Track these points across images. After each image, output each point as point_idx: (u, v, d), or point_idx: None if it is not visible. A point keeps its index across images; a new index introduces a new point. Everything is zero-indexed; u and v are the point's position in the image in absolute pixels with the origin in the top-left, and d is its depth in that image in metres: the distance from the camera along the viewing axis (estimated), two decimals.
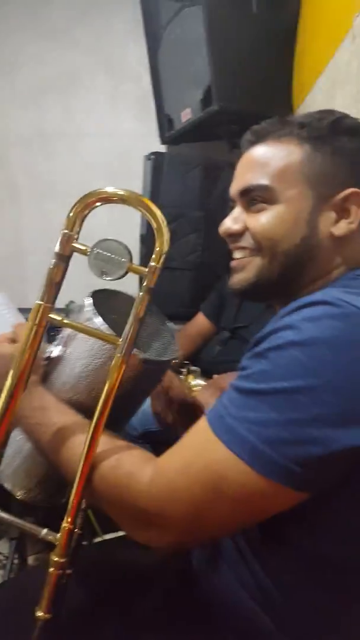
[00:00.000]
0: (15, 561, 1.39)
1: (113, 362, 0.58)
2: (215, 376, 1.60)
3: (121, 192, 0.58)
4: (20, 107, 2.30)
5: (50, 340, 0.78)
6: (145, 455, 0.59)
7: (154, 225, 0.58)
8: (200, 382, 1.59)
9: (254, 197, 0.67)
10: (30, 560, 1.54)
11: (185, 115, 1.91)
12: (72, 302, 2.08)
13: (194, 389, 1.61)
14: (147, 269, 0.58)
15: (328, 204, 0.64)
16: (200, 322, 1.84)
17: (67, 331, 0.71)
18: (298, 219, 0.64)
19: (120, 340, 0.58)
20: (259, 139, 0.68)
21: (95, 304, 0.68)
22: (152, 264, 0.58)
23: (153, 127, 2.17)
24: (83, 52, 2.28)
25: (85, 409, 0.63)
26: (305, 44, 1.79)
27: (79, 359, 0.68)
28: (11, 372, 0.58)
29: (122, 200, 0.58)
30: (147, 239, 1.97)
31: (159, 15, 1.95)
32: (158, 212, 0.58)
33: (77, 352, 0.69)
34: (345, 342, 0.48)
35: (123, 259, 0.57)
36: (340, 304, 0.50)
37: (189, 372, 1.62)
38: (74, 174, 2.30)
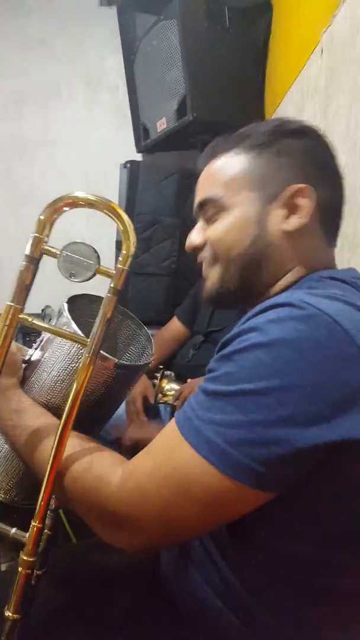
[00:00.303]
0: None
1: (81, 362, 0.60)
2: (189, 380, 1.62)
3: (89, 197, 0.60)
4: (0, 116, 2.32)
5: (27, 345, 0.80)
6: (116, 458, 0.60)
7: (121, 228, 0.60)
8: (174, 386, 1.61)
9: (208, 210, 0.70)
10: (3, 567, 1.53)
11: (161, 125, 1.95)
12: (48, 306, 2.09)
13: (168, 393, 1.64)
14: (114, 271, 0.60)
15: (276, 202, 0.66)
16: (175, 326, 1.86)
17: (45, 335, 0.73)
18: (247, 221, 0.67)
19: (89, 340, 0.60)
20: (210, 157, 0.71)
21: (75, 308, 0.69)
22: (119, 266, 0.60)
23: (129, 136, 2.21)
24: (62, 63, 2.32)
25: (61, 413, 0.64)
26: (276, 57, 1.85)
27: (56, 362, 0.69)
28: None
29: (90, 204, 0.60)
30: (122, 244, 2.00)
31: (135, 28, 1.99)
32: (125, 216, 0.60)
33: (55, 356, 0.70)
34: (308, 343, 0.49)
35: (91, 262, 0.59)
36: (303, 306, 0.51)
37: (163, 376, 1.64)
38: (50, 181, 2.33)
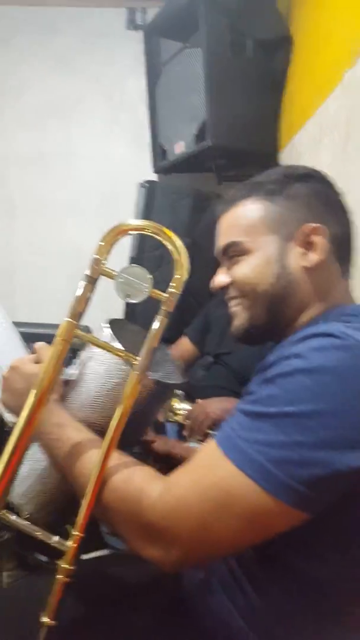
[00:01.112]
0: None
1: (129, 379, 0.62)
2: (198, 400, 1.63)
3: (146, 224, 0.63)
4: (23, 129, 2.39)
5: (66, 364, 0.82)
6: (155, 473, 0.61)
7: (175, 256, 0.63)
8: (185, 405, 1.61)
9: (231, 253, 0.76)
10: (4, 577, 1.52)
11: (179, 148, 2.00)
12: (86, 327, 2.11)
13: (178, 412, 1.65)
14: (166, 295, 0.63)
15: (293, 241, 0.72)
16: (185, 346, 1.88)
17: (84, 355, 0.76)
18: (269, 260, 0.72)
19: (138, 358, 0.63)
20: (227, 205, 0.78)
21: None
22: (172, 290, 0.63)
23: (145, 156, 2.26)
24: (85, 81, 2.38)
25: (98, 428, 0.67)
26: (295, 89, 1.91)
27: (95, 379, 0.72)
28: (36, 387, 0.61)
29: (146, 230, 0.63)
30: (136, 261, 2.03)
31: (159, 52, 2.05)
32: (179, 243, 0.63)
33: (94, 374, 0.73)
34: (349, 371, 0.53)
35: (145, 284, 0.62)
36: (343, 337, 0.55)
37: (173, 395, 1.65)
38: (67, 195, 2.37)
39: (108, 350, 0.65)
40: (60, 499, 0.75)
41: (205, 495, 0.54)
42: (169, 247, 0.64)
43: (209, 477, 0.55)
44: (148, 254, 2.06)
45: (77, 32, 2.34)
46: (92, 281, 0.62)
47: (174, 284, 0.63)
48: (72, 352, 0.67)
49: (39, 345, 0.74)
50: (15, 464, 0.61)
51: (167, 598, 0.75)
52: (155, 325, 0.63)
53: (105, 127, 2.41)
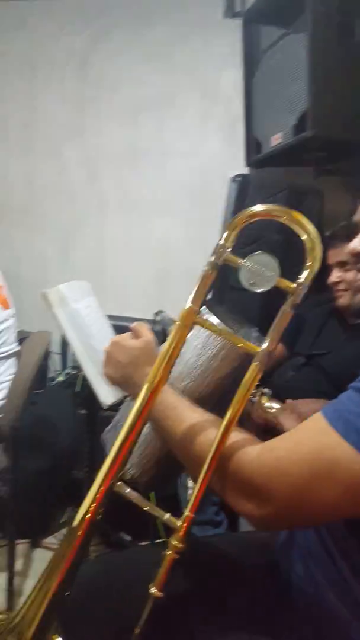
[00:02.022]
0: None
1: (250, 370, 0.61)
2: (288, 401, 1.57)
3: (276, 209, 0.59)
4: (117, 125, 2.43)
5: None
6: (254, 437, 0.64)
7: (308, 244, 0.58)
8: (274, 405, 1.56)
9: None
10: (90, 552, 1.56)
11: (275, 140, 1.92)
12: (161, 311, 2.12)
13: (267, 410, 1.59)
14: (294, 285, 0.58)
15: None
16: None
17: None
18: None
19: (261, 348, 0.61)
20: None
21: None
22: (301, 281, 0.58)
23: (237, 150, 2.20)
24: (180, 74, 2.37)
25: (197, 396, 0.72)
26: None
27: (193, 351, 0.77)
28: (154, 368, 0.63)
29: (276, 216, 0.59)
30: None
31: (259, 40, 1.98)
32: (312, 229, 0.58)
33: (191, 346, 0.77)
34: None
35: (273, 274, 0.58)
36: None
37: (262, 393, 1.60)
38: (157, 191, 2.38)
39: (228, 339, 0.64)
40: (163, 463, 0.78)
41: (306, 460, 0.55)
42: (301, 234, 0.59)
43: (311, 443, 0.56)
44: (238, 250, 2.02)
45: (172, 23, 2.32)
46: (215, 267, 0.59)
47: (307, 274, 0.58)
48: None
49: (136, 323, 0.79)
50: (133, 440, 0.63)
51: (261, 572, 0.78)
52: (281, 318, 0.59)
53: (198, 120, 2.38)
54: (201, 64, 2.34)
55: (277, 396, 1.65)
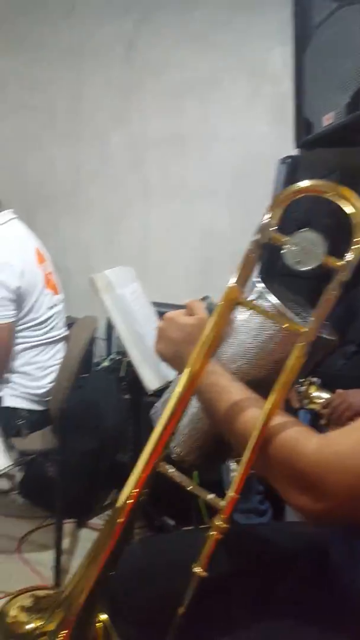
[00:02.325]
0: None
1: (294, 350, 0.60)
2: (338, 391, 1.52)
3: (322, 184, 0.56)
4: (161, 110, 2.41)
5: None
6: (310, 428, 0.62)
7: (355, 218, 0.55)
8: (323, 394, 1.52)
9: None
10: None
11: (328, 119, 1.85)
12: (207, 296, 2.11)
13: (316, 400, 1.55)
14: (342, 263, 0.55)
15: None
16: None
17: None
18: None
19: (305, 329, 0.59)
20: None
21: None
22: (349, 258, 0.55)
23: (286, 131, 2.13)
24: (225, 55, 2.32)
25: (249, 378, 0.70)
26: None
27: (248, 332, 0.74)
28: (199, 345, 0.62)
29: (322, 192, 0.56)
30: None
31: (311, 15, 1.90)
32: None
33: (246, 327, 0.74)
34: None
35: (319, 251, 0.55)
36: None
37: (310, 383, 1.56)
38: (201, 176, 2.35)
39: (277, 321, 0.62)
40: (209, 443, 0.76)
41: None
42: (348, 209, 0.56)
43: None
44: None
45: (216, 3, 2.26)
46: (259, 247, 0.57)
47: (355, 251, 0.55)
48: None
49: (191, 300, 0.77)
50: (177, 418, 0.63)
51: (312, 566, 0.77)
52: (327, 296, 0.56)
53: (245, 103, 2.33)
54: (247, 43, 2.28)
55: (326, 385, 1.61)
